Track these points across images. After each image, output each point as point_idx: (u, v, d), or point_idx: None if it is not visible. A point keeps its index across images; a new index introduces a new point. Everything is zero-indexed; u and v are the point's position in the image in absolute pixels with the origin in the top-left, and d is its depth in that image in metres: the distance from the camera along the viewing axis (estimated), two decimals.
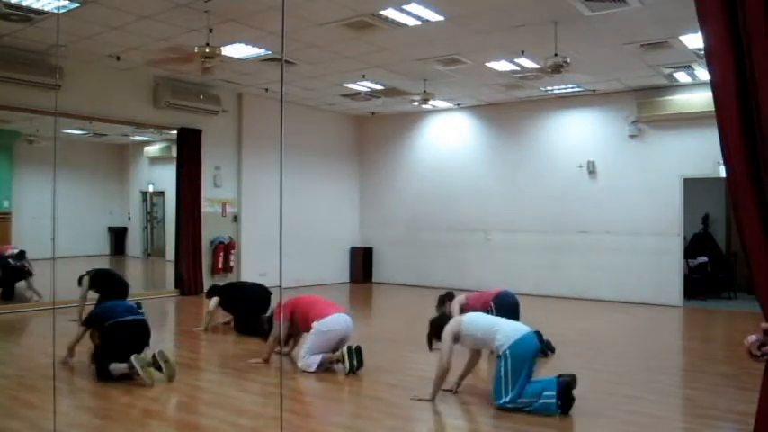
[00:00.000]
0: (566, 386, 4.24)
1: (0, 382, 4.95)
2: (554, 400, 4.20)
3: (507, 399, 4.28)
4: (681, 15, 6.36)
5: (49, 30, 7.21)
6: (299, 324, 5.65)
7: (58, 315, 7.92)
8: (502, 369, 4.33)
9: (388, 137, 13.12)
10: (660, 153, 9.96)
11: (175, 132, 10.34)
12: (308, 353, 5.38)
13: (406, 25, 7.04)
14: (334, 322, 5.46)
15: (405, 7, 6.54)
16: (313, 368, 5.32)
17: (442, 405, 4.62)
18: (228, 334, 7.18)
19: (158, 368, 4.94)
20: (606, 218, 10.42)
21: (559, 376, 4.32)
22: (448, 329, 4.60)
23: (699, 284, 10.52)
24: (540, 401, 4.23)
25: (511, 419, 4.21)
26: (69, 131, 10.82)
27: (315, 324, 5.41)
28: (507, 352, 4.33)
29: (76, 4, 6.45)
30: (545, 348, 5.91)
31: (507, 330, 4.45)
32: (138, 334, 5.16)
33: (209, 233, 10.71)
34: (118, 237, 13.21)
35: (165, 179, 11.77)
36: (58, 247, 5.44)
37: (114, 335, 5.02)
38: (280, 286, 5.46)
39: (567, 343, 6.46)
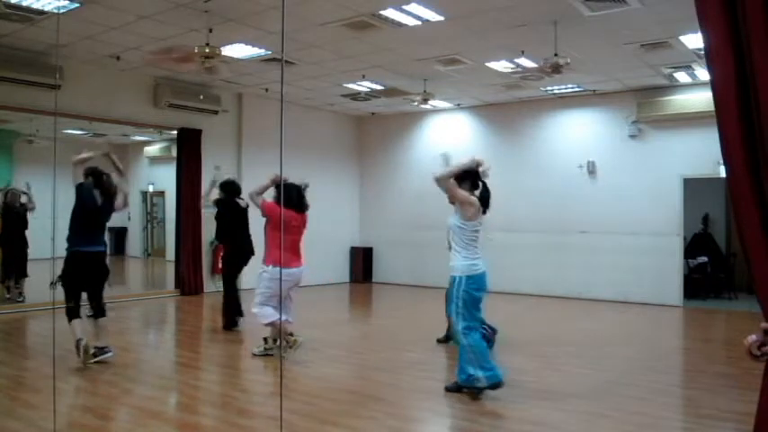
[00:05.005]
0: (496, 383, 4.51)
1: (0, 382, 4.95)
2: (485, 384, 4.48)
3: (462, 327, 4.50)
4: (681, 15, 6.36)
5: (49, 30, 7.21)
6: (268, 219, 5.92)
7: (58, 315, 7.92)
8: (460, 294, 4.53)
9: (388, 137, 13.12)
10: (660, 153, 9.96)
11: (175, 132, 10.34)
12: (261, 302, 5.61)
13: (406, 25, 7.04)
14: (287, 274, 5.67)
15: (405, 7, 6.54)
16: (266, 321, 5.62)
17: (442, 405, 4.62)
18: (228, 334, 7.18)
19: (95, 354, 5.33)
20: (606, 218, 10.41)
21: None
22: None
23: (699, 284, 10.53)
24: (484, 374, 4.47)
25: (511, 419, 4.21)
26: (69, 131, 10.80)
27: (270, 267, 5.60)
28: (464, 279, 4.52)
29: (76, 4, 6.45)
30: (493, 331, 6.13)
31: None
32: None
33: (209, 233, 10.70)
34: (118, 236, 13.18)
35: (165, 179, 11.76)
36: (58, 247, 5.44)
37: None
38: (279, 285, 5.47)
39: (567, 343, 6.45)
